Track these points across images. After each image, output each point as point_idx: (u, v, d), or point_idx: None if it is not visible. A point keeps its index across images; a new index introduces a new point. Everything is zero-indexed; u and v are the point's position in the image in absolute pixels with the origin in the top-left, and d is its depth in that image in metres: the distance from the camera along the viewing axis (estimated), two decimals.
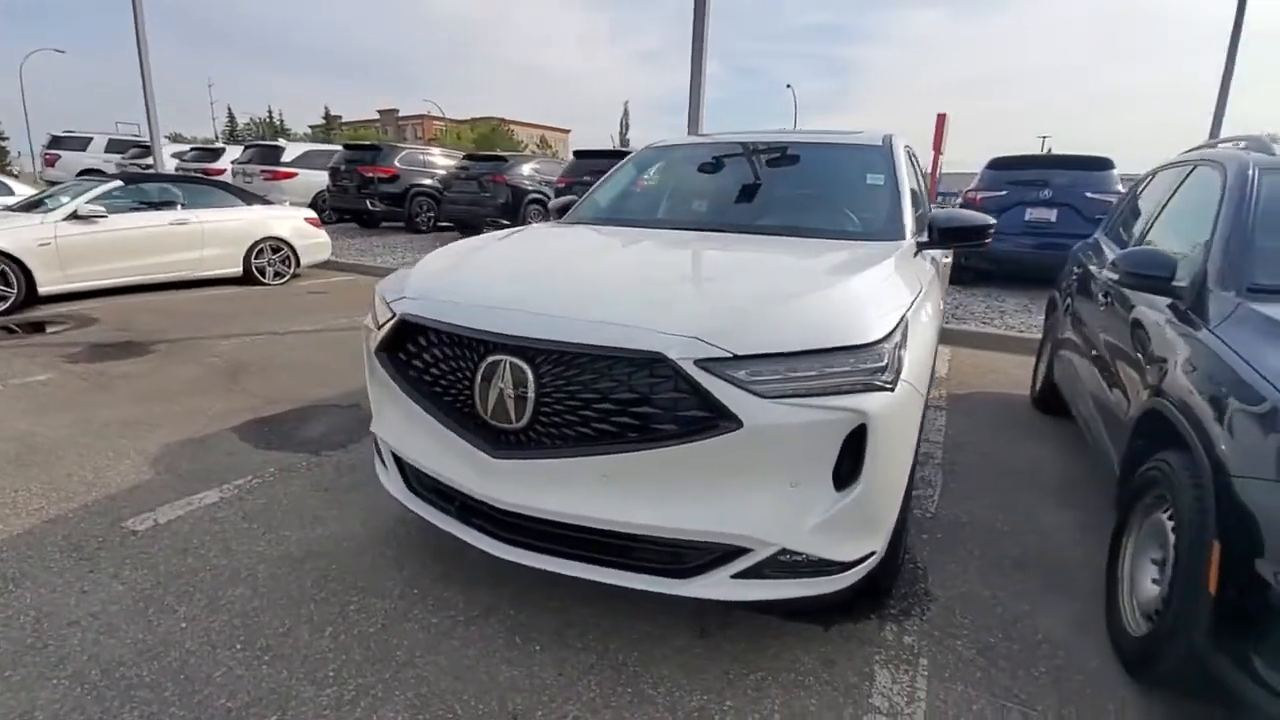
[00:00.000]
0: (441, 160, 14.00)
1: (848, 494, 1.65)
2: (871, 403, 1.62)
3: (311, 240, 8.51)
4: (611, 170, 3.70)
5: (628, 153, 10.99)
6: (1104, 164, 7.67)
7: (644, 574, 1.74)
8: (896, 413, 1.64)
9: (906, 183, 2.93)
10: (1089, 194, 7.38)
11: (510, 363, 1.72)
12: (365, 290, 8.06)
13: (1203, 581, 1.56)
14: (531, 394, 1.69)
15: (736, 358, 1.60)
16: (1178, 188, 3.04)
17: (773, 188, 3.17)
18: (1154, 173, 3.78)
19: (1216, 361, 1.81)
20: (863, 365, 1.63)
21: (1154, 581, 1.95)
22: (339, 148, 15.01)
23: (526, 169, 12.32)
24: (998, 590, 2.31)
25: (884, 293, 1.93)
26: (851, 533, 1.69)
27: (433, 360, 1.93)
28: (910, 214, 2.77)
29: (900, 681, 1.86)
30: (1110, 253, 3.33)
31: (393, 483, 2.20)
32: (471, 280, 2.20)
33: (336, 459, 3.22)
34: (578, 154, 11.66)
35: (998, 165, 8.37)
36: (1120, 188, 7.19)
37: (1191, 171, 2.99)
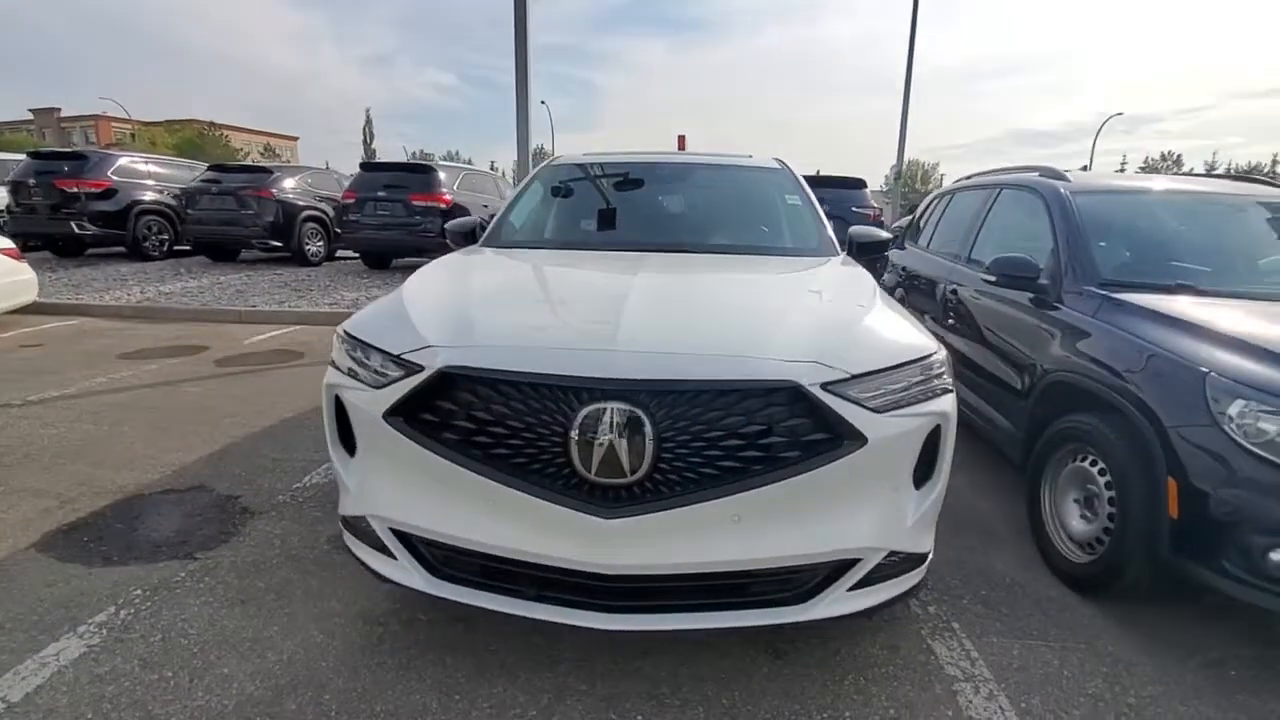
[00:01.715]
0: (169, 171, 11.51)
1: (928, 490, 1.80)
2: (944, 404, 1.79)
3: (10, 279, 6.38)
4: (520, 190, 3.45)
5: (422, 166, 10.41)
6: (861, 183, 9.41)
7: (763, 608, 1.69)
8: (954, 411, 1.84)
9: (817, 203, 3.26)
10: (854, 208, 8.97)
11: (618, 410, 1.54)
12: (103, 338, 6.34)
13: (1164, 510, 2.03)
14: (650, 441, 1.54)
15: (853, 377, 1.65)
16: (990, 207, 3.85)
17: (706, 208, 3.28)
18: (946, 194, 4.73)
19: (1120, 341, 2.36)
20: (932, 373, 1.80)
21: (1083, 518, 2.48)
22: (20, 156, 11.45)
23: (295, 182, 10.74)
24: (959, 551, 2.70)
25: (898, 307, 2.14)
26: (929, 526, 1.85)
27: (495, 418, 1.63)
28: (831, 231, 3.09)
29: (953, 648, 2.09)
30: (945, 261, 4.08)
31: (411, 573, 1.79)
32: (524, 321, 1.92)
33: (225, 560, 2.50)
34: (365, 166, 10.52)
35: None
36: (873, 202, 8.93)
37: (998, 194, 3.82)
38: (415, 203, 9.55)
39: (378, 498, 1.81)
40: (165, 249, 11.15)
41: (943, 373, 1.83)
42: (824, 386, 1.61)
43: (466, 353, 1.68)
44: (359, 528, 1.89)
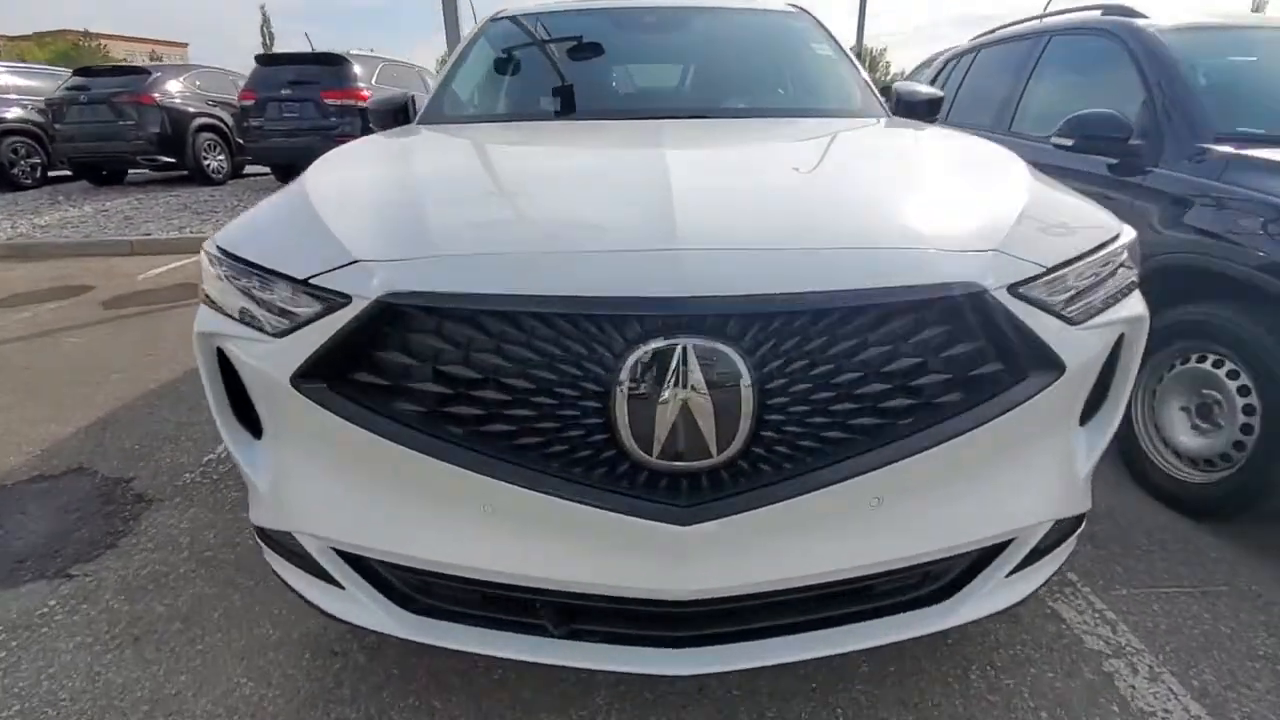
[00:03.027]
0: (32, 82, 9.59)
1: (1102, 426, 1.28)
2: (1136, 305, 1.25)
3: None
4: (464, 48, 2.58)
5: (332, 56, 8.82)
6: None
7: (893, 615, 1.18)
8: (1146, 313, 1.29)
9: (850, 54, 2.55)
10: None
11: (697, 349, 0.92)
12: None
13: None
14: (749, 398, 0.93)
15: (1048, 272, 1.06)
16: (1036, 63, 3.19)
17: (717, 63, 2.50)
18: (965, 54, 4.03)
19: (1270, 208, 1.84)
20: (1121, 261, 1.23)
21: (1197, 430, 2.05)
22: None
23: (181, 84, 9.09)
24: None
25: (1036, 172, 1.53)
26: (1092, 472, 1.35)
27: (482, 373, 0.99)
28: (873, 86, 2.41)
29: (1082, 609, 1.67)
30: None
31: (370, 609, 1.19)
32: (512, 217, 1.24)
33: (112, 575, 1.84)
34: (263, 59, 8.91)
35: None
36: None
37: (1046, 45, 3.16)
38: (328, 101, 8.19)
39: (305, 506, 1.18)
40: (39, 175, 9.48)
41: (1131, 261, 1.26)
42: (1011, 290, 1.02)
43: (421, 269, 1.01)
44: (285, 545, 1.25)
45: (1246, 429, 1.87)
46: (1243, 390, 1.88)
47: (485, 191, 1.40)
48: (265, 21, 44.45)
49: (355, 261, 1.02)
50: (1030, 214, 1.18)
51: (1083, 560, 1.85)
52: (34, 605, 1.73)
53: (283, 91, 8.26)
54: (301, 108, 8.27)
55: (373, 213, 1.21)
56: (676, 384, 0.92)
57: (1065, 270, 1.09)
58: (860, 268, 0.99)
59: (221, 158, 9.52)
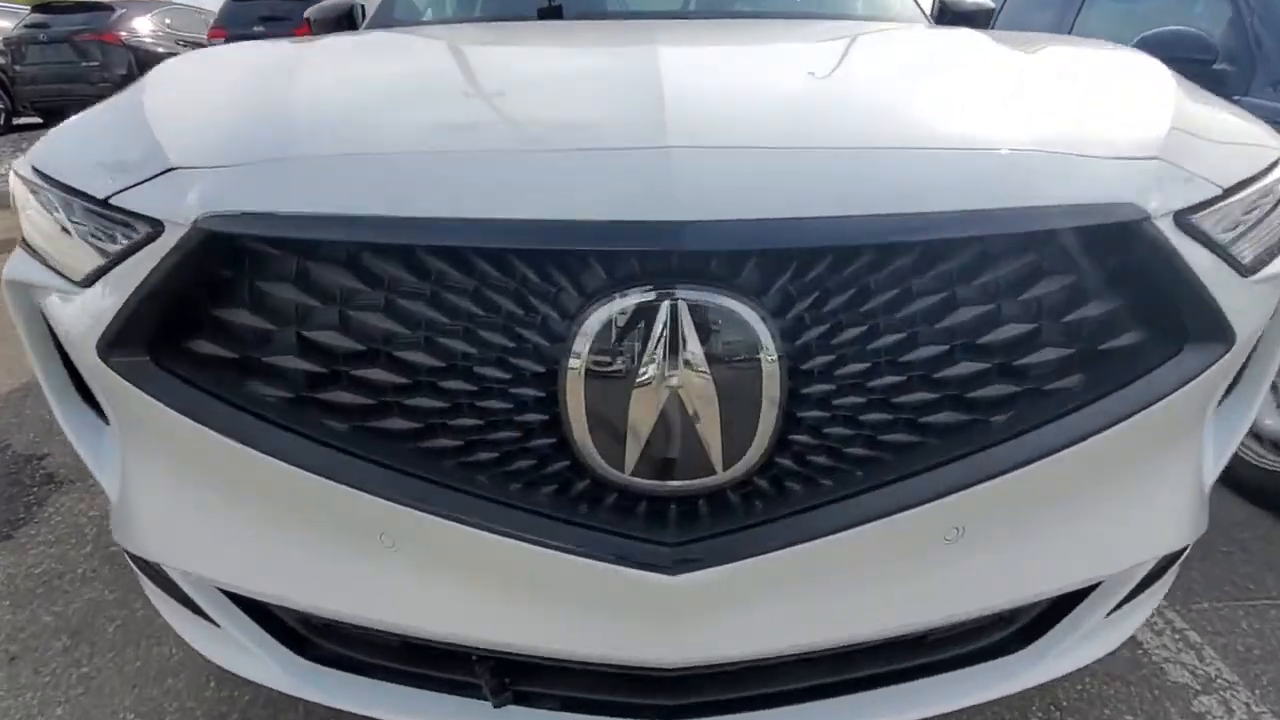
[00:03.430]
0: None
1: (1234, 414, 0.96)
2: None
3: None
4: None
5: None
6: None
7: (955, 670, 0.87)
8: None
9: None
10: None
11: (692, 305, 0.59)
12: None
13: None
14: (776, 379, 0.61)
15: (1225, 194, 0.72)
16: None
17: None
18: None
19: None
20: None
21: None
22: None
23: (150, 22, 8.49)
24: None
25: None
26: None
27: (374, 343, 0.65)
28: None
29: (1160, 629, 1.38)
30: None
31: (254, 656, 0.88)
32: (435, 118, 0.87)
33: None
34: None
35: None
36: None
37: None
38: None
39: (150, 523, 0.86)
40: (2, 122, 8.92)
41: None
42: (1178, 219, 0.68)
43: (261, 176, 0.68)
44: (155, 572, 0.94)
45: None
46: None
47: (395, 87, 1.02)
48: None
49: (170, 169, 0.68)
50: (1182, 124, 0.82)
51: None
52: None
53: (255, 29, 7.68)
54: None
55: (221, 109, 0.85)
56: (662, 360, 0.59)
57: (1237, 197, 0.74)
58: (962, 180, 0.65)
59: None
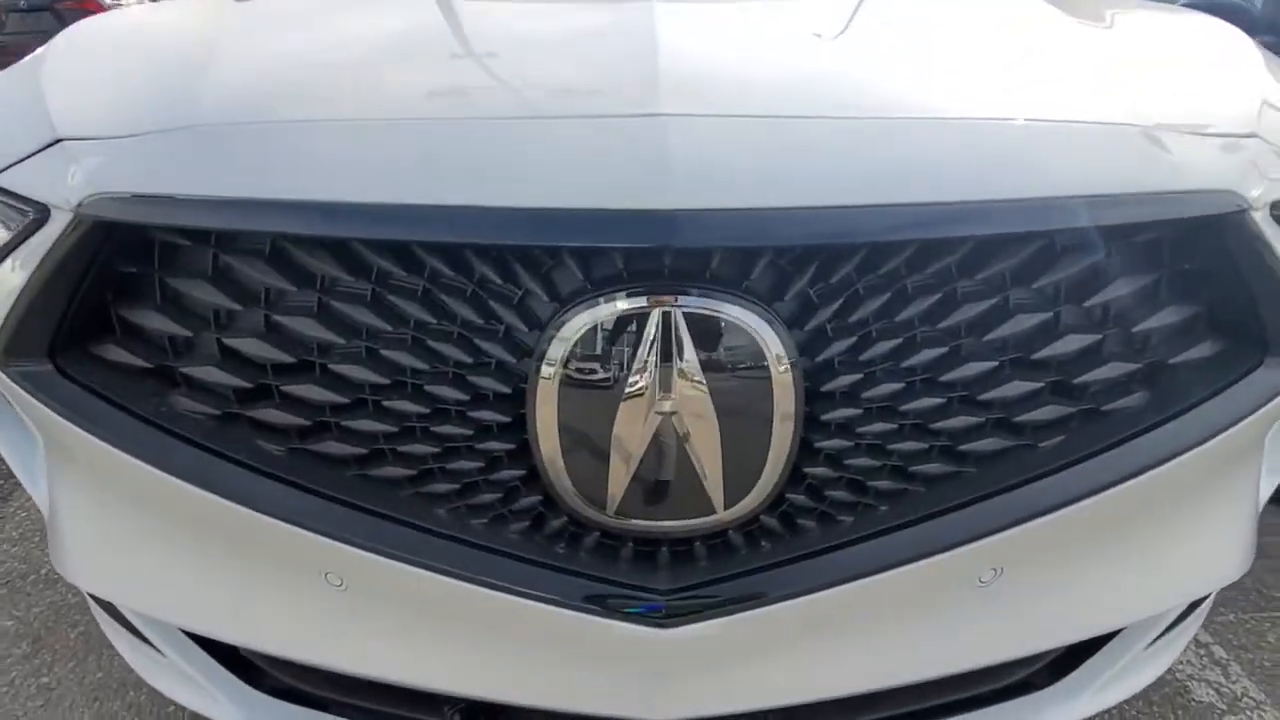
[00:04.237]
0: None
1: None
2: None
3: None
4: None
5: None
6: None
7: (983, 709, 0.79)
8: None
9: None
10: None
11: (694, 314, 0.48)
12: None
13: None
14: (789, 398, 0.50)
15: None
16: None
17: None
18: None
19: None
20: None
21: None
22: None
23: None
24: None
25: None
26: None
27: (308, 352, 0.55)
28: None
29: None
30: None
31: (202, 689, 0.79)
32: (369, 78, 0.73)
33: None
34: None
35: None
36: None
37: None
38: None
39: (96, 558, 0.77)
40: None
41: None
42: (1275, 210, 0.57)
43: (164, 149, 0.56)
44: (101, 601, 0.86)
45: None
46: None
47: (332, 48, 0.86)
48: None
49: (57, 141, 0.57)
50: (1275, 100, 0.70)
51: None
52: None
53: None
54: None
55: (128, 74, 0.73)
56: (653, 377, 0.49)
57: None
58: (1023, 160, 0.54)
59: None
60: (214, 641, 0.80)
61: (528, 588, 0.56)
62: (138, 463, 0.58)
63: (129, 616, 0.81)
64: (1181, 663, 1.26)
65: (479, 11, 1.05)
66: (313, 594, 0.62)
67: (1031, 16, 1.03)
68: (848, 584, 0.56)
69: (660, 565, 0.57)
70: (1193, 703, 1.19)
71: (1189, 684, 1.22)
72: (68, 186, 0.55)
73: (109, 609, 0.86)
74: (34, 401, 0.60)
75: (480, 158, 0.53)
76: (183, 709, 1.17)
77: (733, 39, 0.86)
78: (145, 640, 0.83)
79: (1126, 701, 1.17)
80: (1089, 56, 0.79)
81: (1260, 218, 0.57)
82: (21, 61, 0.94)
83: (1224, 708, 1.18)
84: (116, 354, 0.60)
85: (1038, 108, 0.62)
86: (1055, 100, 0.64)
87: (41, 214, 0.57)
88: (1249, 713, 1.17)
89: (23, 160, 0.59)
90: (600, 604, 0.56)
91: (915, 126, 0.57)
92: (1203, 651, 1.29)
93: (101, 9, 7.85)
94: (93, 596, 0.89)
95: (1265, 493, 0.84)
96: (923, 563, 0.57)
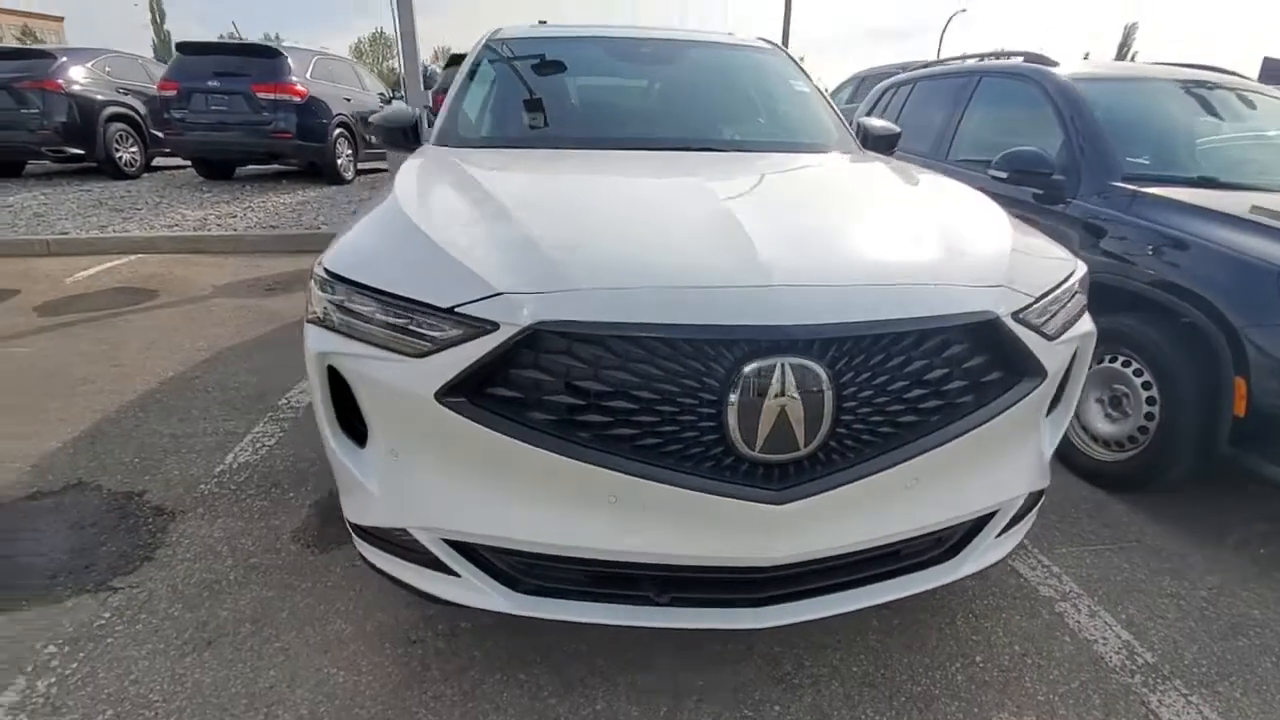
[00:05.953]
0: None
1: (1060, 418, 1.64)
2: (1089, 323, 1.60)
3: None
4: (468, 71, 2.70)
5: (265, 48, 8.44)
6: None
7: (912, 573, 1.48)
8: (1094, 330, 1.65)
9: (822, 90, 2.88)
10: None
11: (792, 366, 1.17)
12: None
13: (1227, 408, 2.05)
14: (828, 402, 1.19)
15: (1036, 301, 1.38)
16: (969, 100, 3.64)
17: (708, 96, 2.75)
18: (901, 86, 4.49)
19: (1166, 239, 2.29)
20: (1079, 288, 1.58)
21: (1109, 418, 2.51)
22: None
23: (89, 70, 8.43)
24: None
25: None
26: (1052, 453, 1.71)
27: (613, 387, 1.19)
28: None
29: (1034, 565, 2.05)
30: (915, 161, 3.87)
31: (487, 594, 1.37)
32: (624, 253, 1.40)
33: (160, 585, 1.89)
34: (183, 47, 8.40)
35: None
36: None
37: (977, 86, 3.63)
38: (260, 95, 7.87)
39: (425, 503, 1.34)
40: None
41: (1083, 289, 1.63)
42: (1014, 315, 1.33)
43: (567, 301, 1.20)
44: (392, 540, 1.41)
45: (1149, 416, 2.32)
46: (1145, 385, 2.33)
47: (578, 221, 1.57)
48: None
49: (499, 294, 1.20)
50: (1016, 250, 1.51)
51: (1032, 528, 2.23)
52: (87, 618, 1.76)
53: (210, 83, 7.85)
54: (230, 101, 7.90)
55: (494, 245, 1.37)
56: (777, 394, 1.17)
57: (1046, 298, 1.42)
58: (918, 301, 1.27)
59: (135, 149, 8.90)
60: (488, 565, 1.38)
61: (713, 492, 1.20)
62: (513, 441, 1.19)
63: (436, 553, 1.36)
64: (1032, 577, 1.99)
65: (642, 202, 1.82)
66: (599, 509, 1.23)
67: (912, 201, 1.87)
68: (857, 482, 1.24)
69: (774, 477, 1.23)
70: (1039, 595, 1.91)
71: (1037, 587, 1.95)
72: (519, 315, 1.15)
73: (402, 554, 1.40)
74: (453, 417, 1.20)
75: (703, 305, 1.19)
76: (394, 647, 1.67)
77: (778, 217, 1.60)
78: (438, 568, 1.38)
79: (1000, 597, 1.89)
80: (938, 235, 1.57)
81: (1007, 320, 1.32)
82: (379, 210, 1.64)
83: (1057, 597, 1.91)
84: (503, 391, 1.20)
85: (924, 270, 1.37)
86: (928, 266, 1.40)
87: (489, 328, 1.17)
88: (1074, 600, 1.90)
89: (476, 302, 1.20)
90: (747, 495, 1.20)
91: (879, 289, 1.29)
92: (1045, 570, 2.03)
93: (58, 88, 8.03)
94: (385, 549, 1.43)
95: (1048, 450, 1.60)
96: (885, 472, 1.25)
